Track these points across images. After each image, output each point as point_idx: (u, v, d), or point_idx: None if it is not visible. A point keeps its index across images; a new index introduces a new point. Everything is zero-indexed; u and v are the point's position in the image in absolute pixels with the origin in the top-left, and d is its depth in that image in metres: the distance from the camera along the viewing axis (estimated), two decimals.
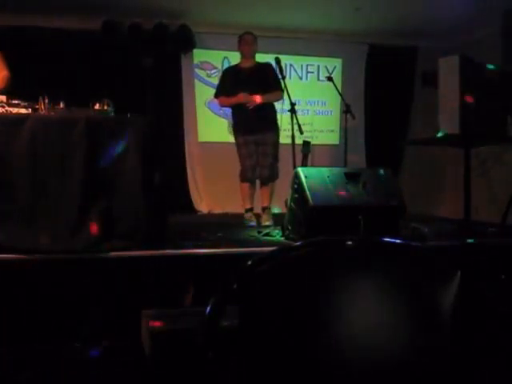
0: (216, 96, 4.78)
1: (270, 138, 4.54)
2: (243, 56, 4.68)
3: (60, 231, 2.74)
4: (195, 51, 6.42)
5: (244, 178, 4.61)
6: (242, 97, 4.45)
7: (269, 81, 4.54)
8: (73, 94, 3.30)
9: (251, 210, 4.63)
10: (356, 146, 6.53)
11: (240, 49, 4.69)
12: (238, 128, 4.66)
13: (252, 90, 4.46)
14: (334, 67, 6.84)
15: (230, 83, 4.57)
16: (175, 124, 6.34)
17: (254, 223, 4.48)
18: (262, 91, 4.49)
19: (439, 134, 3.48)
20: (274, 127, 4.62)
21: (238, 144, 4.65)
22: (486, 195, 5.39)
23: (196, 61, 6.52)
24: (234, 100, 4.53)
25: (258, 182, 4.69)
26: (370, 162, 6.79)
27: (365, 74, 6.93)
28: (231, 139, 6.59)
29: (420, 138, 5.34)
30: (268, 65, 4.64)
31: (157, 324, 2.29)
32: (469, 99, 3.40)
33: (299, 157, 4.52)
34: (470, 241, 3.29)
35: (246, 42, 4.61)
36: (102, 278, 2.65)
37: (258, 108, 4.45)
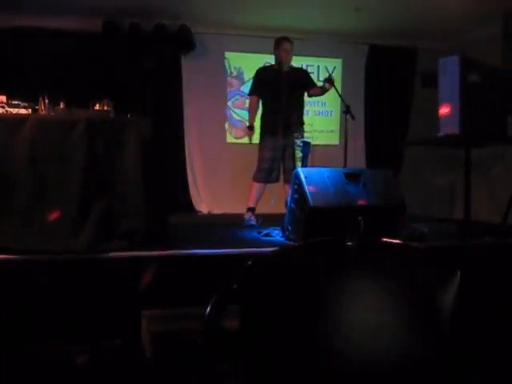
0: (250, 94, 4.82)
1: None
2: (280, 61, 4.68)
3: (60, 231, 2.74)
4: (196, 51, 6.41)
5: (259, 178, 4.62)
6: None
7: (308, 83, 4.77)
8: (73, 94, 3.29)
9: (253, 209, 4.62)
10: (356, 146, 6.53)
11: (278, 54, 4.69)
12: (269, 129, 4.61)
13: (292, 93, 4.54)
14: (334, 67, 6.85)
15: (271, 85, 4.60)
16: (175, 124, 6.34)
17: (253, 222, 4.48)
18: (301, 94, 4.69)
19: (439, 135, 3.48)
20: (302, 130, 4.75)
21: (264, 145, 4.62)
22: (486, 195, 5.39)
23: (196, 61, 6.51)
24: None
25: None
26: (370, 162, 6.80)
27: (365, 74, 6.93)
28: (231, 139, 6.64)
29: (420, 138, 5.33)
30: (303, 69, 5.08)
31: (157, 325, 2.29)
32: (469, 99, 3.40)
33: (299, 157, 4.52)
34: (469, 241, 3.29)
35: (285, 50, 4.65)
36: (102, 277, 2.65)
37: (292, 111, 4.53)
